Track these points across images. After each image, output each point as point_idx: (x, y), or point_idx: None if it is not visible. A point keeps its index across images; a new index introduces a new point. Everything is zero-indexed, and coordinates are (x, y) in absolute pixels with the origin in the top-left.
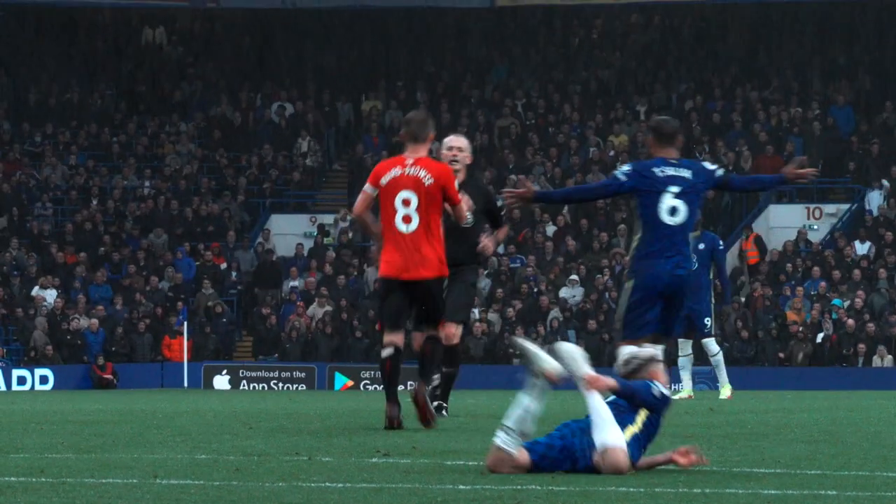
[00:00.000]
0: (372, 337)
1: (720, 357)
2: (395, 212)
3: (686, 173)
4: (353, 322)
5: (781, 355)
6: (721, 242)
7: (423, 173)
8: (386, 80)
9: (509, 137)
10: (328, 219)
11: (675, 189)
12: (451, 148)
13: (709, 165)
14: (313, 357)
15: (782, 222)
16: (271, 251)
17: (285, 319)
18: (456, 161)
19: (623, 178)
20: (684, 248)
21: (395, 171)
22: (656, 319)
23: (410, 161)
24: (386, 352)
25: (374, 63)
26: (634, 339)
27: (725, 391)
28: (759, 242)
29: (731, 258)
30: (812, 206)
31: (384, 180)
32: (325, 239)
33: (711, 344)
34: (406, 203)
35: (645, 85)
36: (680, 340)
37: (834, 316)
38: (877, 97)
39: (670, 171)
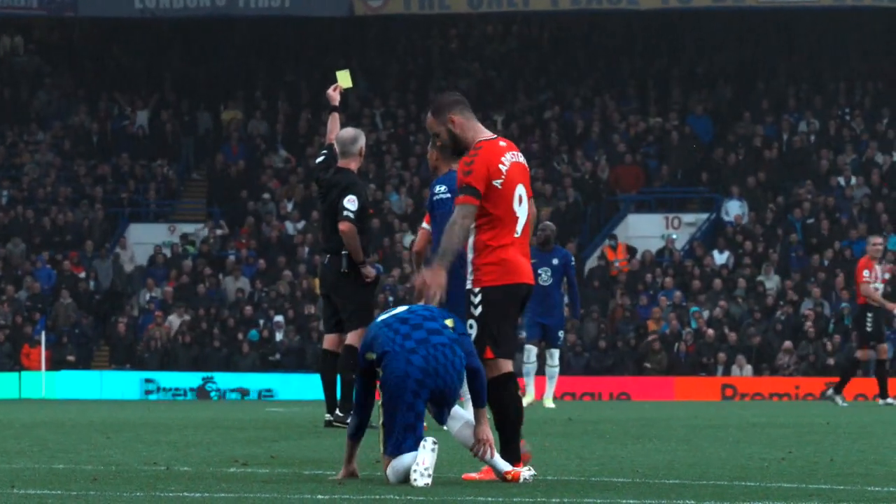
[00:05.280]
0: (230, 346)
1: (557, 371)
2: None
3: None
4: (212, 331)
5: (648, 365)
6: (573, 259)
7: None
8: (245, 89)
9: (368, 146)
10: (187, 228)
11: None
12: None
13: None
14: (172, 366)
15: (641, 231)
16: (128, 261)
17: (144, 329)
18: None
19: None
20: None
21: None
22: None
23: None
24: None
25: (233, 72)
26: None
27: (550, 402)
28: (632, 251)
29: (592, 266)
30: (671, 216)
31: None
32: (188, 247)
33: (556, 356)
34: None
35: (504, 94)
36: (527, 346)
37: (693, 325)
38: (736, 107)
39: None
